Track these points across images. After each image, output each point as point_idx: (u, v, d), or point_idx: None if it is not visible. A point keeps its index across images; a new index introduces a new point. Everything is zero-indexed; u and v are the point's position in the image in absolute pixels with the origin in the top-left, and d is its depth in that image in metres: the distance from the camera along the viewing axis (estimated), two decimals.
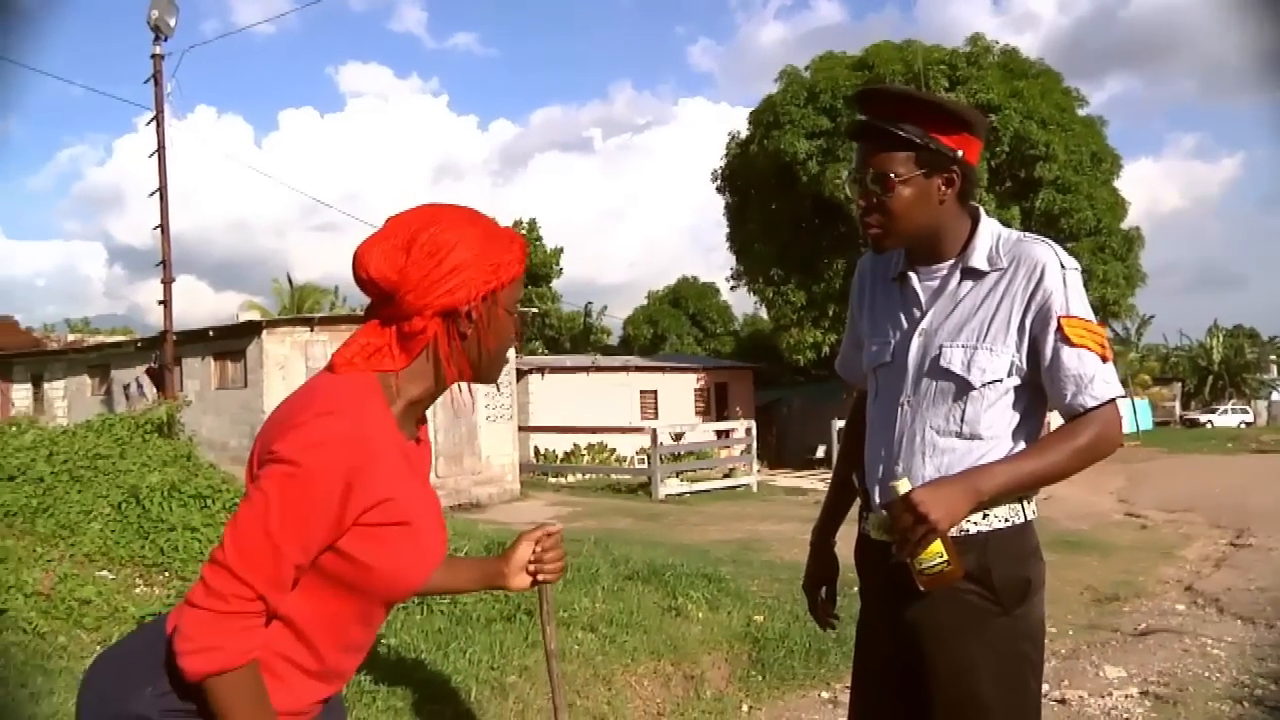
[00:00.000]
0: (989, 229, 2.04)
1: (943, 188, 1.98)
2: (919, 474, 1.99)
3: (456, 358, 1.51)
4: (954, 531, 1.90)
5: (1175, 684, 5.21)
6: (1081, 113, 25.53)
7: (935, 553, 1.84)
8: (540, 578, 1.85)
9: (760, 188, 26.52)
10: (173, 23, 16.42)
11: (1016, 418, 2.00)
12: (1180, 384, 53.20)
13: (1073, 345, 1.92)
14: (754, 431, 20.43)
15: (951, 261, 2.04)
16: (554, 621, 2.01)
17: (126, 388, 20.43)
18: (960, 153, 1.96)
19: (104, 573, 6.16)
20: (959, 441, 1.99)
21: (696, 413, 28.68)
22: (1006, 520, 1.98)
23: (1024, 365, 1.97)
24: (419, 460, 1.57)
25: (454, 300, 1.46)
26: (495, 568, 1.85)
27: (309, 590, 1.44)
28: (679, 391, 28.91)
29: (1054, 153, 23.54)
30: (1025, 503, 2.01)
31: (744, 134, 27.66)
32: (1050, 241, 2.03)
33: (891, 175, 1.95)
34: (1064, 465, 1.94)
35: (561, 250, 41.78)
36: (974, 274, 2.01)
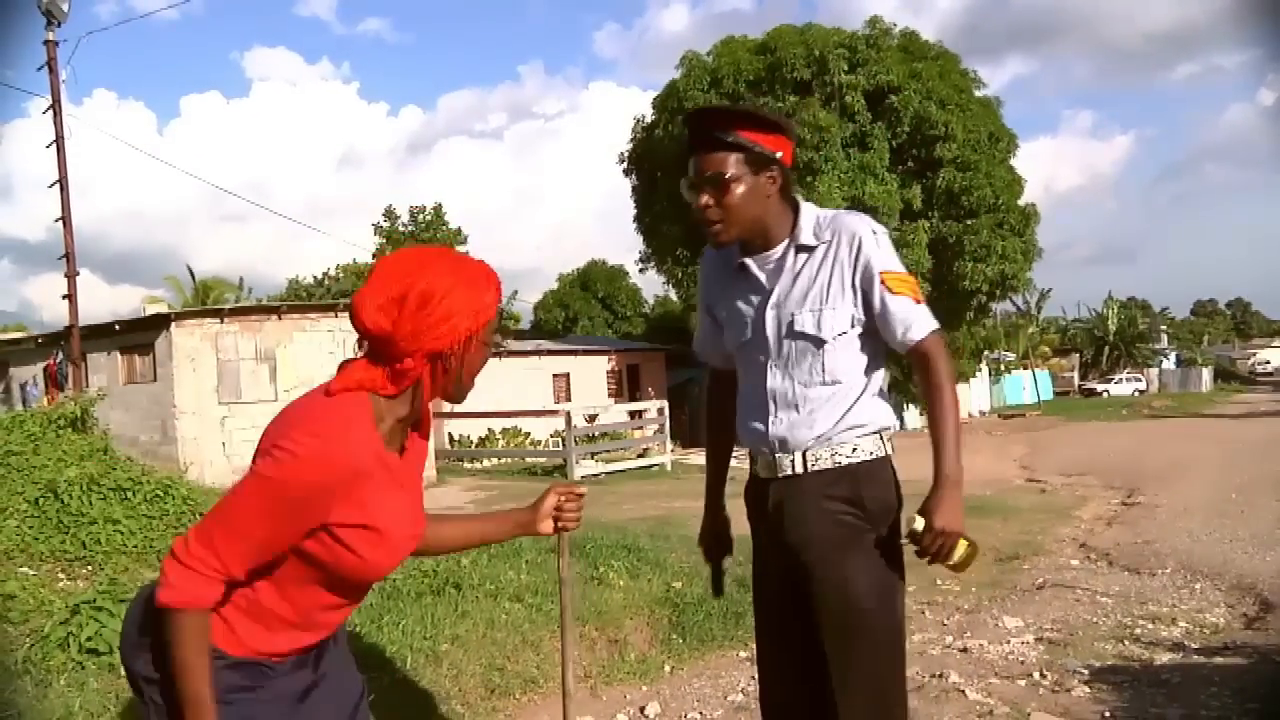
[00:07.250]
0: (810, 211, 2.39)
1: (768, 184, 2.32)
2: (793, 420, 2.34)
3: (439, 388, 1.73)
4: (830, 464, 2.32)
5: (1066, 630, 5.60)
6: (979, 93, 25.97)
7: (963, 546, 2.24)
8: (561, 525, 2.16)
9: (666, 170, 26.41)
10: (66, 7, 15.95)
11: (865, 360, 2.38)
12: (1078, 355, 54.91)
13: (894, 294, 2.30)
14: (667, 412, 20.59)
15: (785, 244, 2.38)
16: (568, 557, 2.34)
17: (24, 386, 19.90)
18: (779, 154, 2.31)
19: (24, 569, 6.12)
20: (824, 389, 2.35)
21: (609, 395, 28.65)
22: (871, 454, 2.35)
23: (862, 316, 2.34)
24: (403, 469, 1.80)
25: (440, 345, 1.66)
26: (526, 515, 2.16)
27: (291, 562, 1.69)
28: (591, 374, 28.89)
29: (953, 133, 23.89)
30: (883, 439, 2.39)
31: (649, 118, 27.58)
32: (860, 213, 2.42)
33: (726, 175, 2.28)
34: (951, 399, 2.30)
35: (465, 235, 40.32)
36: (805, 249, 2.36)
